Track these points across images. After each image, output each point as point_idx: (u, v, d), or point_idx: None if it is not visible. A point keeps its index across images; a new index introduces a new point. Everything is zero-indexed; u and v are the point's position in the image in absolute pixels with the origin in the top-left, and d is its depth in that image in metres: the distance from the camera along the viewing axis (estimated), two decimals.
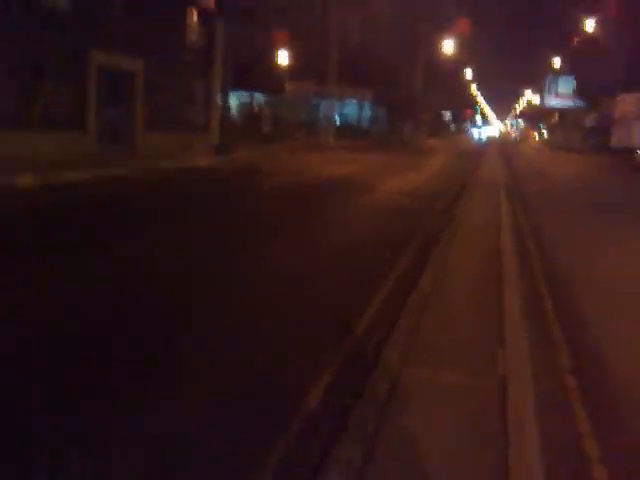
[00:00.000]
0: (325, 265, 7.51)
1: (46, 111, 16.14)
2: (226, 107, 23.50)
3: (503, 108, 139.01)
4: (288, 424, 3.53)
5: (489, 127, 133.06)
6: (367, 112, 50.49)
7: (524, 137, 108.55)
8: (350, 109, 48.40)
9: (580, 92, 66.81)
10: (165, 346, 4.63)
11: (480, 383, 4.10)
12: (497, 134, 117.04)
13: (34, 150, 14.25)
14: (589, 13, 54.26)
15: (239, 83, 28.34)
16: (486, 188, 17.40)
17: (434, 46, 57.77)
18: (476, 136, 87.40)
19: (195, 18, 22.82)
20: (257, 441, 3.37)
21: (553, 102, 74.96)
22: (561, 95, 72.26)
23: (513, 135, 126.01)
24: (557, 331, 5.31)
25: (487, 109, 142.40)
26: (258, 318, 5.40)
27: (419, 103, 58.69)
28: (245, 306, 5.73)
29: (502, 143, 71.09)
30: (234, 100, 32.33)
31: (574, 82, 69.99)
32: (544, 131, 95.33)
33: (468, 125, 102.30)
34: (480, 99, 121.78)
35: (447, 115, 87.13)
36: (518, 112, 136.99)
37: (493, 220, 11.14)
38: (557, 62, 73.05)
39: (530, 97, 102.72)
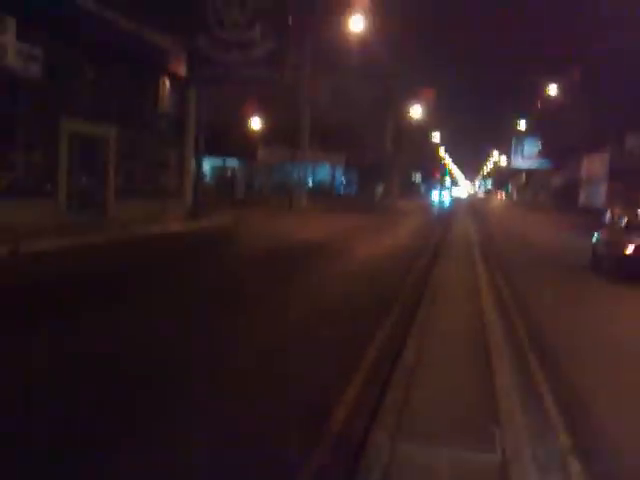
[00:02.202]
0: (297, 337, 7.24)
1: (16, 179, 15.88)
2: (199, 172, 23.46)
3: (472, 169, 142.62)
4: None
5: (457, 188, 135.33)
6: (339, 175, 51.16)
7: (491, 197, 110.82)
8: (322, 172, 48.99)
9: (546, 153, 68.68)
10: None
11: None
12: (465, 195, 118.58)
13: (3, 219, 13.89)
14: (553, 78, 56.45)
15: (212, 148, 28.47)
16: (461, 247, 17.46)
17: (402, 110, 59.37)
18: (435, 199, 68.80)
19: (168, 85, 22.99)
20: None
21: (520, 163, 76.94)
22: (527, 156, 74.21)
23: (480, 196, 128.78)
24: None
25: (456, 171, 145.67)
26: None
27: (389, 165, 59.72)
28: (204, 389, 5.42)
29: (470, 203, 70.93)
30: (207, 165, 32.43)
31: (539, 143, 71.98)
32: (511, 191, 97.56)
33: (427, 187, 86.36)
34: (448, 161, 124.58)
35: (417, 177, 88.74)
36: (485, 173, 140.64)
37: (471, 280, 11.06)
38: (523, 124, 75.43)
39: (497, 158, 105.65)
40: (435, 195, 72.07)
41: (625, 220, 14.15)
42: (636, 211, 14.80)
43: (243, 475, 3.88)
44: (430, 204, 58.01)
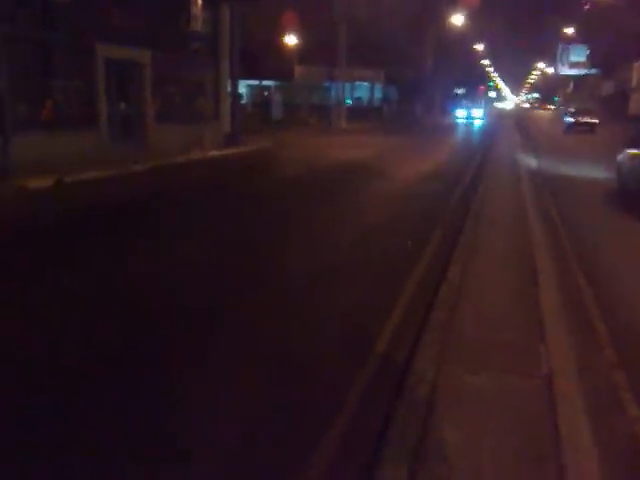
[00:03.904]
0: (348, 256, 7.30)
1: (57, 109, 15.97)
2: (236, 95, 23.13)
3: (517, 82, 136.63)
4: None
5: (503, 101, 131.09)
6: (379, 93, 49.91)
7: (539, 107, 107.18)
8: (362, 91, 47.86)
9: (594, 60, 65.43)
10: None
11: None
12: (511, 107, 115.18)
13: (47, 149, 14.09)
14: None
15: (248, 70, 28.02)
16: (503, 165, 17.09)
17: (444, 21, 56.86)
18: (460, 117, 54.17)
19: (200, 3, 22.40)
20: None
21: (567, 71, 73.58)
22: (575, 63, 70.74)
23: (526, 106, 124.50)
24: None
25: (501, 84, 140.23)
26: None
27: (431, 81, 57.86)
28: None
29: (514, 117, 66.65)
30: (243, 86, 32.01)
31: (587, 51, 68.53)
32: (558, 101, 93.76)
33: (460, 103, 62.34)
34: (494, 74, 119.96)
35: (461, 92, 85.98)
36: (531, 84, 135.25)
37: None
38: (569, 31, 71.61)
39: (543, 69, 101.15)
40: (459, 114, 54.92)
41: None
42: None
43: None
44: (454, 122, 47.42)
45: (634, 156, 11.36)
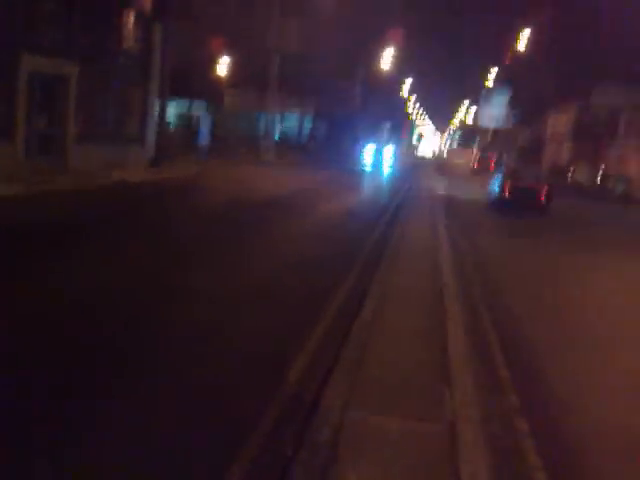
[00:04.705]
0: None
1: None
2: (163, 117, 22.66)
3: (443, 119, 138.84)
4: None
5: (422, 143, 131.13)
6: (308, 125, 50.14)
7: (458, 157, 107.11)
8: (291, 122, 48.00)
9: (514, 107, 68.04)
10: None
11: None
12: (430, 154, 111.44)
13: None
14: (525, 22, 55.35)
15: (177, 90, 27.55)
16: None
17: (373, 57, 58.15)
18: (368, 162, 37.44)
19: (132, 20, 21.92)
20: None
21: (486, 122, 75.90)
22: (494, 116, 72.81)
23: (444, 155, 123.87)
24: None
25: (425, 121, 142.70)
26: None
27: (359, 115, 58.88)
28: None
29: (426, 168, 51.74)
30: (171, 109, 31.49)
31: (509, 95, 70.94)
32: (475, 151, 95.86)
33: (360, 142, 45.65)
34: (419, 111, 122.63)
35: (387, 127, 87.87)
36: (454, 127, 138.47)
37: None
38: (492, 78, 74.38)
39: (466, 110, 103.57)
40: (368, 154, 38.33)
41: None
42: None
43: None
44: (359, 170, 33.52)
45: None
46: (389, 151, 44.02)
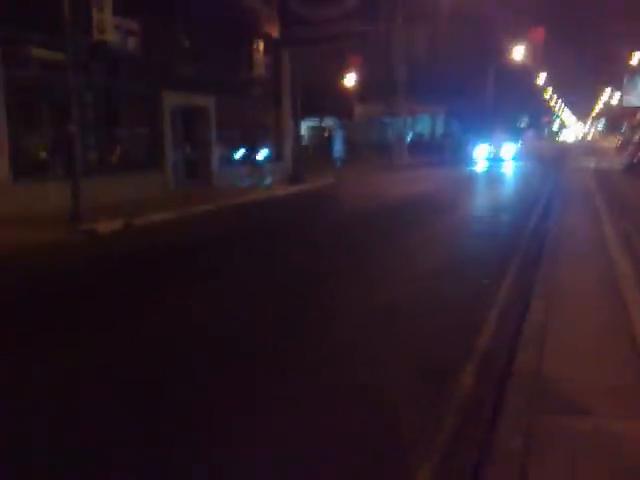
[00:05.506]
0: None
1: (124, 154, 16.51)
2: (297, 134, 23.41)
3: (584, 109, 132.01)
4: None
5: (564, 131, 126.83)
6: (440, 126, 49.51)
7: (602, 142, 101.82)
8: (423, 124, 47.62)
9: None
10: None
11: None
12: (572, 139, 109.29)
13: (115, 193, 14.52)
14: None
15: (309, 109, 28.35)
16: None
17: (505, 54, 56.27)
18: (479, 161, 33.20)
19: (261, 48, 22.96)
20: None
21: (633, 101, 70.86)
22: None
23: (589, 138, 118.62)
24: None
25: (567, 113, 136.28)
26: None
27: (493, 112, 57.09)
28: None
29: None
30: (304, 125, 32.40)
31: None
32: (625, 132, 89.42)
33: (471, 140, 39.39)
34: (558, 102, 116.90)
35: (524, 122, 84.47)
36: (596, 114, 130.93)
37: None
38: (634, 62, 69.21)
39: (610, 96, 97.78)
40: (480, 152, 34.27)
41: None
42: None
43: None
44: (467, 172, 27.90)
45: None
46: (527, 140, 44.91)
